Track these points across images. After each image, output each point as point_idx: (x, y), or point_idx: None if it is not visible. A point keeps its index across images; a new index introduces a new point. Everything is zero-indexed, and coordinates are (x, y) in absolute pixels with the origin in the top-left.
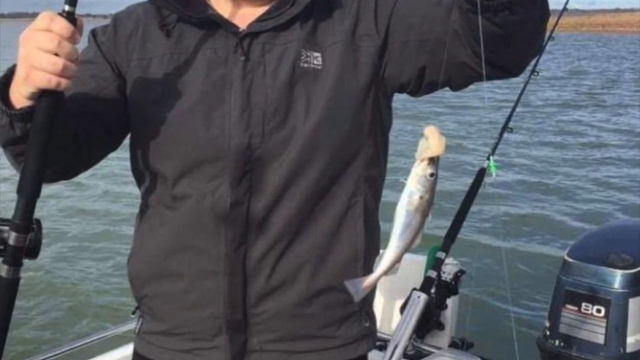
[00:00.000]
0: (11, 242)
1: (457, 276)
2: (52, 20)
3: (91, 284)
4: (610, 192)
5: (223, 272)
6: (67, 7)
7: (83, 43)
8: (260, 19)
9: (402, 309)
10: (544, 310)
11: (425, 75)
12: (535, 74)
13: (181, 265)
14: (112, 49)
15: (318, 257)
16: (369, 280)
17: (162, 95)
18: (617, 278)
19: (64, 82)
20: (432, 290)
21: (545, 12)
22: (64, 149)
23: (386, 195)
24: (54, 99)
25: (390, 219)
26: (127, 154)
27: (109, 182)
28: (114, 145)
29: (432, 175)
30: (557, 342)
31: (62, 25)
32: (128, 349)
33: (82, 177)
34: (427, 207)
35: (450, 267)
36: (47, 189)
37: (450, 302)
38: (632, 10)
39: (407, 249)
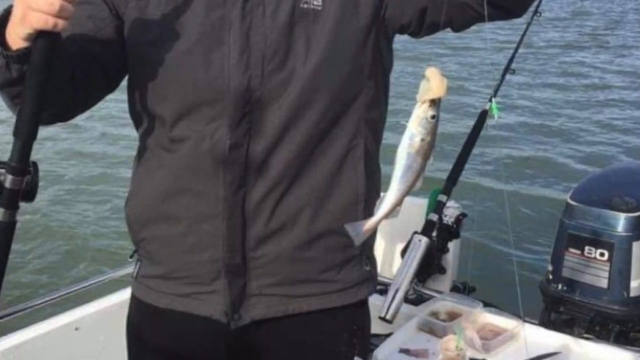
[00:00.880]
0: (7, 185)
1: (459, 219)
2: None
3: (88, 228)
4: (614, 134)
5: (222, 215)
6: None
7: None
8: None
9: (403, 252)
10: (547, 254)
11: (427, 16)
12: (538, 14)
13: (179, 208)
14: None
15: (318, 200)
16: (370, 223)
17: (160, 36)
18: (620, 221)
19: (60, 22)
20: (434, 234)
21: None
22: (61, 90)
23: (387, 137)
24: (51, 40)
25: (391, 162)
26: (124, 96)
27: (107, 124)
28: (111, 87)
29: (433, 117)
30: (560, 286)
31: None
32: (126, 293)
33: (79, 119)
34: (429, 149)
35: (451, 210)
36: (43, 131)
37: (452, 245)
38: None
39: (408, 191)
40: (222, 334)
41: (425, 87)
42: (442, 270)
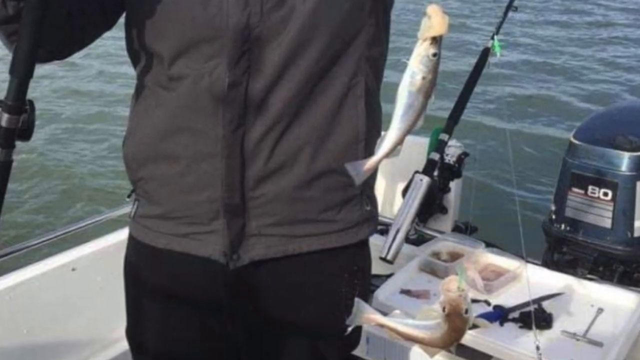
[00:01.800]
0: (3, 123)
1: (461, 158)
2: None
3: (85, 167)
4: (618, 72)
5: (220, 154)
6: None
7: None
8: None
9: (404, 192)
10: (550, 194)
11: None
12: None
13: (177, 147)
14: None
15: (318, 139)
16: (370, 162)
17: None
18: (624, 160)
19: None
20: (435, 173)
21: None
22: (57, 28)
23: (388, 75)
24: None
25: (392, 100)
26: (122, 34)
27: (104, 62)
28: (108, 25)
29: (434, 55)
30: (562, 226)
31: None
32: (123, 233)
33: (76, 57)
34: (430, 87)
35: (453, 149)
36: (40, 69)
37: (454, 185)
38: None
39: (410, 130)
40: (220, 274)
41: (427, 24)
42: (443, 210)
